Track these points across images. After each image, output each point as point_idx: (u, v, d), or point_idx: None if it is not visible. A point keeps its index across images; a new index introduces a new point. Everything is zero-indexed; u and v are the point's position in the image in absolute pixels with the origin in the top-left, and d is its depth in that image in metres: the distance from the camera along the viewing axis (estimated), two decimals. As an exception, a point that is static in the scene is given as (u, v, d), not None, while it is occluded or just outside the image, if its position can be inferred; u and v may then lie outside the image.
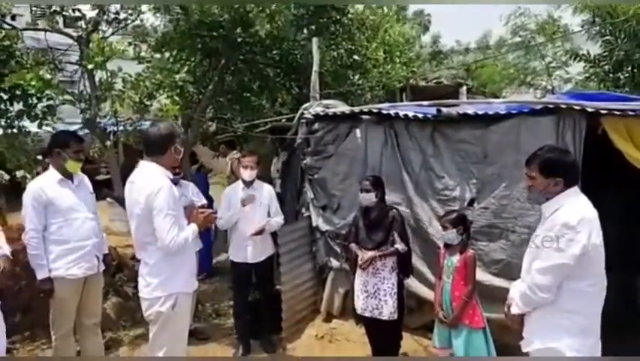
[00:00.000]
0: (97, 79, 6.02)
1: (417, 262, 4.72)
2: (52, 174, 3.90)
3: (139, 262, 6.21)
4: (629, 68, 9.98)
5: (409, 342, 4.63)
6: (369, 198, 4.20)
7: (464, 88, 14.42)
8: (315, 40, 6.08)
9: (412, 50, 10.19)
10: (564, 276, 2.59)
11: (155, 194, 3.04)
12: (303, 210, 5.60)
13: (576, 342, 2.60)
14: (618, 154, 3.92)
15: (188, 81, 6.32)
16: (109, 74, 6.09)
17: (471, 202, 4.52)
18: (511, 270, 4.33)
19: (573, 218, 2.55)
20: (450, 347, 3.87)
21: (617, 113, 3.80)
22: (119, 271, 6.21)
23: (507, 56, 13.40)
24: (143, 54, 7.04)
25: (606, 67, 10.31)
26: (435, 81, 12.97)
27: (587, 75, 10.95)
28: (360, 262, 4.19)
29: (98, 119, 5.83)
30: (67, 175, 3.95)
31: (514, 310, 2.85)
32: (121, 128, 6.34)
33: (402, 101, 8.83)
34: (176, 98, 5.59)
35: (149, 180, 3.10)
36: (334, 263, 5.32)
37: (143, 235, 3.16)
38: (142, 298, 3.22)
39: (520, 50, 10.61)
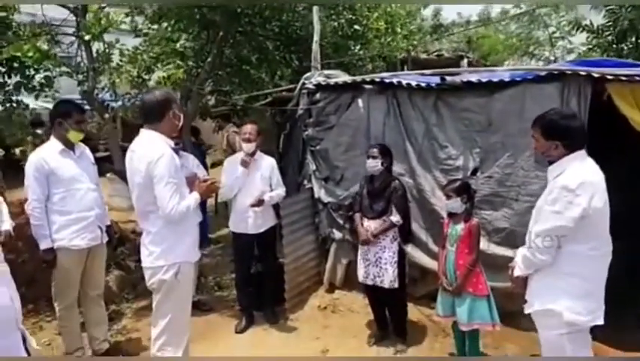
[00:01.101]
0: (94, 51, 5.95)
1: (420, 232, 4.72)
2: (53, 145, 3.87)
3: (139, 237, 6.26)
4: (633, 39, 9.84)
5: (412, 311, 4.65)
6: (375, 165, 4.17)
7: (465, 60, 14.27)
8: (315, 9, 5.98)
9: (413, 22, 10.02)
10: (563, 238, 2.58)
11: (155, 162, 3.00)
12: (305, 181, 5.57)
13: (576, 305, 2.60)
14: (623, 120, 3.87)
15: (190, 47, 6.21)
16: (106, 45, 6.02)
17: (474, 171, 4.49)
18: (514, 238, 4.33)
19: (573, 181, 2.53)
20: (453, 315, 3.88)
21: (624, 78, 3.74)
22: (120, 244, 6.25)
23: (509, 26, 13.23)
24: (140, 27, 6.94)
25: (610, 37, 10.17)
26: (436, 54, 12.82)
27: (590, 46, 10.82)
28: (360, 239, 4.21)
29: (96, 92, 5.77)
30: (69, 145, 3.92)
31: (517, 272, 2.88)
32: (119, 103, 6.28)
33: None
34: (180, 63, 5.49)
35: (149, 148, 3.07)
36: (337, 235, 5.31)
37: (144, 204, 3.13)
38: (145, 267, 3.21)
39: (523, 21, 10.46)
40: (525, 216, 4.23)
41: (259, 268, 4.97)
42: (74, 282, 3.98)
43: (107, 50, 5.93)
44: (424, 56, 11.24)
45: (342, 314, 5.06)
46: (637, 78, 3.68)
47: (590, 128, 3.80)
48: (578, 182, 2.51)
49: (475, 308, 3.76)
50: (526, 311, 2.85)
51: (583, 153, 2.65)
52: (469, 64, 14.25)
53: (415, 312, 4.76)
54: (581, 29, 10.23)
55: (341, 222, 5.26)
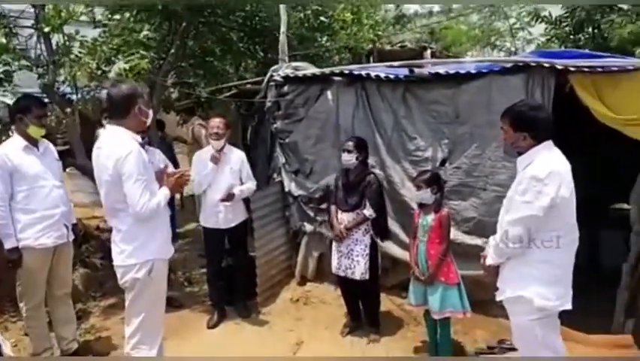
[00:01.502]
0: (54, 43, 5.74)
1: (390, 223, 4.75)
2: (16, 141, 3.74)
3: (104, 233, 6.11)
4: (590, 29, 10.14)
5: (384, 301, 4.70)
6: (349, 159, 4.19)
7: (428, 51, 14.43)
8: (282, 0, 5.91)
9: (377, 12, 10.05)
10: (533, 227, 2.66)
11: (123, 159, 2.92)
12: (275, 175, 5.54)
13: (545, 291, 2.68)
14: (586, 111, 3.99)
15: (152, 38, 6.07)
16: (66, 37, 5.82)
17: (443, 162, 4.56)
18: (482, 228, 4.42)
19: (541, 171, 2.61)
20: (425, 304, 3.94)
21: (586, 70, 3.85)
22: (85, 242, 6.09)
23: (471, 17, 13.43)
24: (99, 18, 6.74)
25: (567, 28, 10.46)
26: (399, 45, 12.89)
27: (548, 37, 11.10)
28: (334, 233, 4.25)
29: (56, 85, 5.57)
30: (32, 142, 3.80)
31: (489, 261, 2.94)
32: (79, 96, 6.10)
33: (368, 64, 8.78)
34: (143, 53, 5.35)
35: (116, 145, 2.98)
36: (308, 227, 5.32)
37: (113, 202, 3.05)
38: (116, 266, 3.13)
39: (484, 12, 10.65)
40: (493, 206, 4.35)
41: (230, 263, 4.94)
42: (41, 282, 3.87)
43: (66, 42, 5.73)
44: (388, 47, 11.30)
45: (315, 306, 5.08)
46: (598, 70, 3.79)
47: (554, 120, 3.94)
48: (547, 172, 2.59)
49: (447, 297, 3.83)
50: (498, 299, 2.92)
51: (550, 143, 2.73)
52: (432, 55, 14.43)
53: (386, 302, 4.81)
54: (539, 20, 10.48)
55: (312, 214, 5.27)
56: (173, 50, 6.55)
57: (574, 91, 4.04)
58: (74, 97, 6.26)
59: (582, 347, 3.97)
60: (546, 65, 3.98)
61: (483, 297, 4.31)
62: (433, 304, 3.85)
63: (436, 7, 17.62)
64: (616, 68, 3.79)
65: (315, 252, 5.36)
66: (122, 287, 3.20)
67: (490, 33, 10.94)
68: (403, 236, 4.78)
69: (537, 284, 2.69)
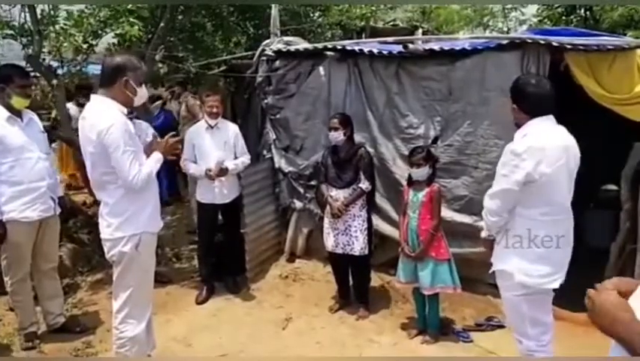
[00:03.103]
0: (38, 12, 5.58)
1: (380, 200, 4.74)
2: None
3: (91, 208, 6.01)
4: (582, 11, 10.15)
5: (372, 278, 4.69)
6: (338, 136, 4.15)
7: (420, 31, 14.31)
8: (275, -26, 5.78)
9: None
10: (511, 201, 2.67)
11: (106, 130, 2.82)
12: (265, 151, 5.48)
13: (527, 267, 2.67)
14: (580, 89, 3.97)
15: (143, 8, 5.92)
16: (51, 6, 5.66)
17: (435, 140, 4.53)
18: (473, 206, 4.42)
19: (520, 146, 2.61)
20: (414, 282, 3.95)
21: (581, 48, 3.82)
22: (72, 216, 6.02)
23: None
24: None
25: (559, 9, 10.45)
26: (391, 24, 12.77)
27: (540, 18, 11.08)
28: (332, 212, 4.20)
29: (42, 57, 5.43)
30: (16, 113, 3.70)
31: (483, 234, 2.98)
32: (64, 69, 5.95)
33: (361, 41, 8.66)
34: (133, 20, 5.23)
35: (100, 116, 2.88)
36: (297, 204, 5.29)
37: (100, 174, 2.98)
38: (103, 240, 3.07)
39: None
40: (484, 184, 4.33)
41: (220, 238, 4.90)
42: (26, 255, 3.81)
43: (52, 12, 5.58)
44: (380, 25, 11.17)
45: (304, 283, 5.08)
46: (594, 48, 3.76)
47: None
48: (525, 147, 2.57)
49: (438, 272, 3.85)
50: (490, 271, 2.93)
51: (546, 118, 2.67)
52: (424, 34, 14.32)
53: (375, 279, 4.81)
54: (532, 1, 10.45)
55: (302, 191, 5.24)
56: (162, 24, 6.42)
57: (568, 69, 4.02)
58: (60, 70, 6.12)
59: (570, 325, 4.00)
60: (542, 42, 3.93)
61: (471, 275, 4.36)
62: (424, 279, 3.86)
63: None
64: (611, 47, 3.76)
65: (305, 229, 5.34)
66: (109, 261, 3.15)
67: (483, 13, 10.88)
68: (392, 213, 4.77)
69: (518, 259, 2.69)
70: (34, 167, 3.73)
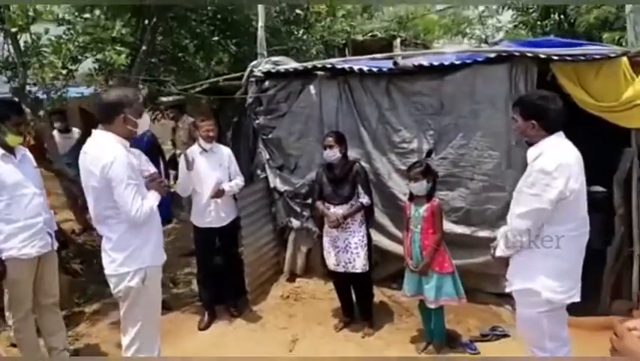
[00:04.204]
0: (21, 43, 5.53)
1: (378, 215, 4.77)
2: None
3: (79, 237, 5.93)
4: (556, 16, 10.36)
5: (375, 294, 4.70)
6: (334, 154, 4.18)
7: (398, 40, 14.49)
8: (258, -7, 5.81)
9: (348, 2, 10.01)
10: (542, 220, 2.66)
11: (110, 165, 2.83)
12: (258, 171, 5.48)
13: (554, 284, 2.69)
14: (566, 98, 4.05)
15: (126, 34, 5.92)
16: (34, 37, 5.62)
17: (429, 153, 4.58)
18: (470, 217, 4.50)
19: (550, 164, 2.59)
20: (420, 295, 3.98)
21: (569, 58, 3.91)
22: (64, 248, 5.93)
23: (437, 5, 13.51)
24: (64, 15, 6.52)
25: (534, 14, 10.66)
26: (370, 35, 12.92)
27: (515, 23, 11.29)
28: (329, 223, 4.19)
29: (27, 88, 5.38)
30: (9, 150, 3.65)
31: (498, 253, 2.93)
32: (45, 96, 5.91)
33: (345, 56, 8.76)
34: (119, 48, 5.23)
35: (102, 151, 2.89)
36: (295, 223, 5.29)
37: (103, 209, 2.96)
38: (108, 275, 3.05)
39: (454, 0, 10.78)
40: (480, 195, 4.42)
41: (220, 262, 4.87)
42: (27, 292, 3.74)
43: (35, 43, 5.53)
44: (359, 37, 11.30)
45: (305, 302, 5.06)
46: (581, 58, 3.85)
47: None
48: (555, 165, 2.57)
49: (442, 286, 3.88)
50: (507, 290, 2.93)
51: (560, 134, 2.71)
52: (402, 43, 14.51)
53: (377, 294, 4.81)
54: (507, 7, 10.65)
55: (299, 210, 5.24)
56: (144, 47, 6.41)
57: (555, 79, 4.11)
58: (43, 98, 6.07)
59: (571, 328, 4.05)
60: (529, 54, 4.01)
61: (472, 286, 4.41)
62: (429, 293, 3.89)
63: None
64: (598, 56, 3.86)
65: (304, 247, 5.34)
66: (115, 296, 3.12)
67: (460, 21, 11.06)
68: (391, 228, 4.81)
69: (545, 277, 2.69)
70: (29, 203, 3.68)
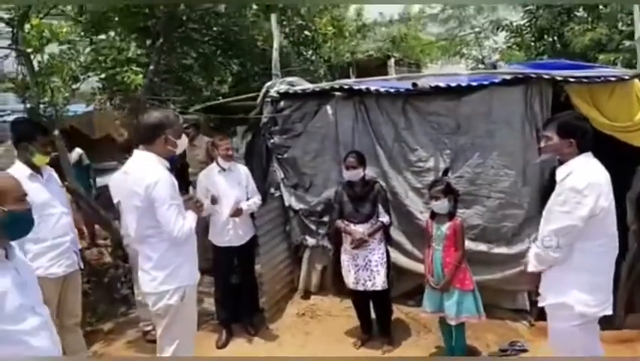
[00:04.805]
0: (35, 64, 5.59)
1: (395, 233, 4.83)
2: (20, 169, 3.60)
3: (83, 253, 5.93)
4: (549, 37, 10.62)
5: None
6: (356, 174, 4.25)
7: (392, 60, 14.76)
8: (273, 17, 5.93)
9: (351, 24, 10.23)
10: (573, 237, 2.75)
11: (154, 185, 2.91)
12: (272, 190, 5.53)
13: (586, 298, 2.78)
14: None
15: (142, 55, 6.01)
16: (48, 57, 5.69)
17: (445, 172, 4.68)
18: (486, 234, 4.60)
19: (580, 183, 2.71)
20: (440, 311, 4.03)
21: (585, 80, 4.06)
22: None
23: (431, 26, 13.80)
24: (72, 36, 6.59)
25: (528, 35, 10.91)
26: (366, 55, 13.17)
27: (509, 45, 11.55)
28: (352, 245, 4.26)
29: (42, 107, 5.42)
30: (36, 169, 3.68)
31: (530, 268, 3.02)
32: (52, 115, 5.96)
33: (348, 76, 8.93)
34: (137, 69, 5.32)
35: (145, 171, 2.97)
36: (310, 241, 5.34)
37: (144, 228, 3.02)
38: (147, 294, 3.09)
39: (450, 23, 11.05)
40: (497, 213, 4.52)
41: (236, 280, 4.90)
42: (52, 312, 3.73)
43: (49, 63, 5.61)
44: (359, 57, 11.52)
45: (321, 320, 5.09)
46: (596, 80, 4.00)
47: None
48: (585, 183, 2.69)
49: (463, 303, 3.94)
50: (540, 305, 3.02)
51: (589, 155, 2.82)
52: (396, 63, 14.79)
53: (394, 311, 4.86)
54: (501, 29, 10.89)
55: (314, 228, 5.30)
56: (151, 67, 6.49)
57: (569, 100, 4.25)
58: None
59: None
60: (546, 76, 4.16)
61: (489, 301, 4.47)
62: (450, 310, 3.95)
63: (396, 16, 17.98)
64: (612, 78, 4.01)
65: (319, 265, 5.39)
66: (153, 315, 3.14)
67: (458, 43, 11.32)
68: (408, 245, 4.89)
69: (578, 291, 2.77)
70: (57, 222, 3.71)
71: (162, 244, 3.01)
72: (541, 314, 4.51)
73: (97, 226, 6.92)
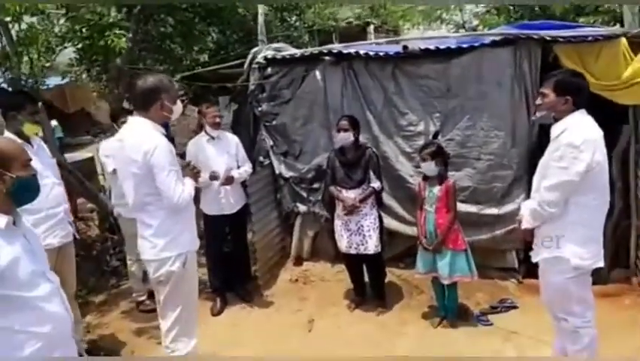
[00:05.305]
0: (13, 34, 5.40)
1: (385, 197, 4.86)
2: None
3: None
4: (529, 1, 10.62)
5: (385, 273, 4.84)
6: (347, 137, 4.25)
7: (371, 27, 14.69)
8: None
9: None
10: (570, 192, 2.82)
11: (152, 151, 2.85)
12: (261, 158, 5.50)
13: (581, 250, 2.86)
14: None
15: (122, 19, 5.85)
16: (27, 26, 5.51)
17: (435, 135, 4.71)
18: (477, 196, 4.67)
19: (577, 139, 2.75)
20: (433, 272, 4.12)
21: (572, 40, 4.09)
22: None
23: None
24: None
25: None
26: (346, 22, 13.04)
27: (488, 9, 11.55)
28: (344, 211, 4.29)
29: (22, 78, 5.28)
30: (26, 139, 3.59)
31: (525, 225, 3.07)
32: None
33: (332, 43, 8.82)
34: (120, 32, 5.18)
35: (142, 138, 2.90)
36: (302, 208, 5.36)
37: (143, 195, 2.97)
38: (148, 261, 3.06)
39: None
40: (486, 174, 4.59)
41: (229, 248, 4.91)
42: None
43: (28, 33, 5.43)
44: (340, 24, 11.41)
45: (315, 285, 5.16)
46: (586, 39, 4.04)
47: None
48: (582, 139, 2.73)
49: (455, 263, 4.03)
50: (534, 260, 3.08)
51: (583, 112, 2.86)
52: (376, 30, 14.73)
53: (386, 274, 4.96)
54: (480, -6, 10.87)
55: (305, 195, 5.31)
56: (130, 35, 6.32)
57: (557, 60, 4.29)
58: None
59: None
60: (535, 37, 4.18)
61: (479, 262, 4.55)
62: (443, 270, 4.04)
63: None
64: (599, 37, 4.05)
65: (310, 232, 5.43)
66: (155, 282, 3.13)
67: (439, 7, 11.25)
68: (398, 209, 4.94)
69: (573, 244, 2.85)
70: (50, 193, 3.65)
71: (161, 212, 2.98)
72: (528, 272, 4.70)
73: (79, 201, 6.83)
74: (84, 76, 8.61)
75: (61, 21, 6.08)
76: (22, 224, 2.11)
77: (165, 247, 3.00)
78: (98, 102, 12.10)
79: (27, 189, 2.06)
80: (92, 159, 8.59)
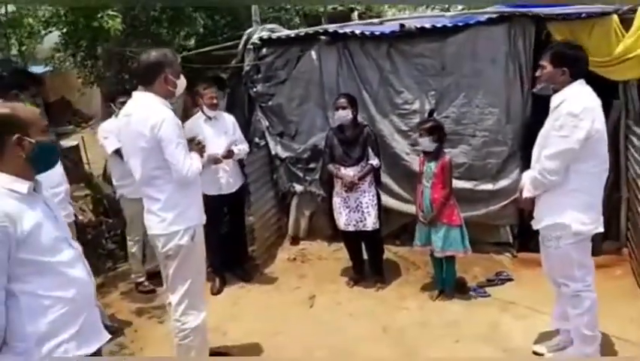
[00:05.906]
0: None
1: (382, 175, 4.92)
2: None
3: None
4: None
5: (382, 250, 4.92)
6: (346, 115, 4.29)
7: (355, 13, 14.60)
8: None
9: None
10: (570, 160, 2.90)
11: (160, 124, 2.86)
12: (257, 139, 5.52)
13: (581, 216, 2.94)
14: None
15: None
16: (14, 8, 5.44)
17: (431, 113, 4.78)
18: (472, 172, 4.76)
19: (577, 108, 2.83)
20: (429, 245, 4.21)
21: (564, 17, 4.18)
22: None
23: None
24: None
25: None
26: (331, 7, 12.96)
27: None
28: (343, 188, 4.35)
29: (13, 59, 5.21)
30: None
31: (526, 193, 3.14)
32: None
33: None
34: (113, 13, 5.15)
35: (149, 111, 2.91)
36: (298, 188, 5.40)
37: (151, 169, 2.97)
38: (156, 235, 3.07)
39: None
40: (481, 151, 4.68)
41: (227, 228, 4.93)
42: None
43: (16, 14, 5.36)
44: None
45: (313, 263, 5.22)
46: (581, 16, 4.13)
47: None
48: (581, 108, 2.81)
49: (449, 237, 4.13)
50: (535, 228, 3.15)
51: (582, 82, 2.94)
52: (360, 16, 14.67)
53: (383, 250, 5.04)
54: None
55: (301, 175, 5.35)
56: (118, 19, 6.26)
57: (550, 37, 4.38)
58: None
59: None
60: (529, 14, 4.26)
61: (474, 237, 4.66)
62: (436, 243, 4.14)
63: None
64: (591, 14, 4.15)
65: (307, 211, 5.48)
66: (163, 256, 3.14)
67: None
68: (394, 187, 5.02)
69: (573, 211, 2.92)
70: (51, 172, 3.60)
71: (169, 185, 2.99)
72: (522, 246, 4.82)
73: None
74: (67, 64, 8.51)
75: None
76: (42, 191, 2.11)
77: (174, 220, 3.02)
78: (83, 89, 11.96)
79: (48, 154, 2.05)
80: (77, 147, 8.53)
